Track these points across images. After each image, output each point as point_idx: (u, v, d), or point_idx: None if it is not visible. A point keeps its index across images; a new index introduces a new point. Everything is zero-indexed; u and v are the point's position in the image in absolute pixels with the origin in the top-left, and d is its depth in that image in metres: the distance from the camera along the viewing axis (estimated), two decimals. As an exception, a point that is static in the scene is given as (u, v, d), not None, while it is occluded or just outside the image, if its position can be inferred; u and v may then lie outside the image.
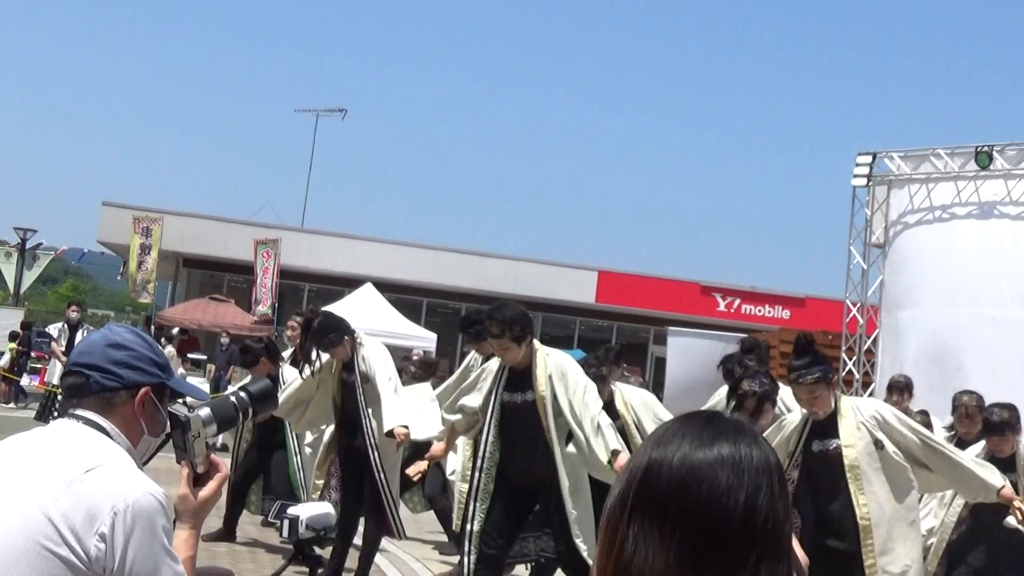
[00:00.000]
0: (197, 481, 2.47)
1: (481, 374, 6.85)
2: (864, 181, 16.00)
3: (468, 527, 6.52)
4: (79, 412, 2.36)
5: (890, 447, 5.36)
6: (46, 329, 25.55)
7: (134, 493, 2.19)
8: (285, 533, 2.81)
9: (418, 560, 9.34)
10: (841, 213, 16.67)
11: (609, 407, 6.89)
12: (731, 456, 1.32)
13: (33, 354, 24.83)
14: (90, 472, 2.20)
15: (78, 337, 16.35)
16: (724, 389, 7.69)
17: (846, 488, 5.33)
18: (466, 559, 6.51)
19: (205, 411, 2.51)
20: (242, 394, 2.61)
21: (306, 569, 2.92)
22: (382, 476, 7.54)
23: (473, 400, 6.73)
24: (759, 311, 29.46)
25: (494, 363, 6.74)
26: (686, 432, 1.35)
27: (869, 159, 15.96)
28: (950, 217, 15.09)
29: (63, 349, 16.83)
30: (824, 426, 5.47)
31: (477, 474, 6.53)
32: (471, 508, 6.57)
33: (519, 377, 6.47)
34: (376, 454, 7.51)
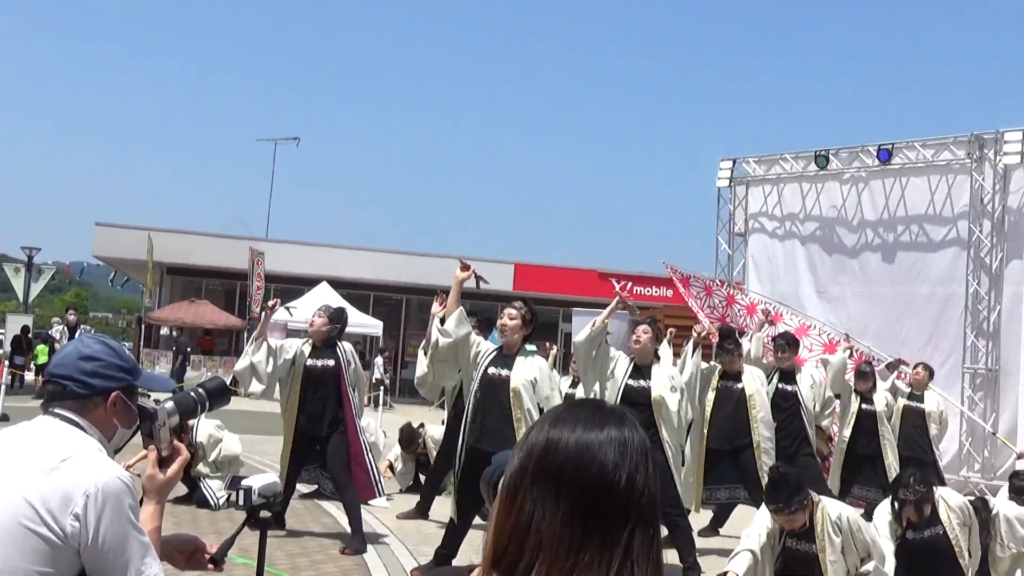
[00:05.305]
0: (162, 463, 2.41)
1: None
2: (727, 182, 16.19)
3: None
4: (58, 410, 2.30)
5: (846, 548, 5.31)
6: (49, 332, 25.06)
7: (104, 478, 2.13)
8: (240, 501, 2.76)
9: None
10: (709, 208, 16.83)
11: None
12: (618, 438, 1.31)
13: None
14: (65, 461, 2.14)
15: (76, 335, 15.94)
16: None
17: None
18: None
19: (170, 404, 2.47)
20: (200, 390, 2.57)
21: (258, 531, 2.88)
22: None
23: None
24: (648, 291, 29.61)
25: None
26: (579, 415, 1.34)
27: (730, 164, 16.17)
28: (796, 211, 15.37)
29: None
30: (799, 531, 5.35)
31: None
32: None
33: (509, 359, 6.70)
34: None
